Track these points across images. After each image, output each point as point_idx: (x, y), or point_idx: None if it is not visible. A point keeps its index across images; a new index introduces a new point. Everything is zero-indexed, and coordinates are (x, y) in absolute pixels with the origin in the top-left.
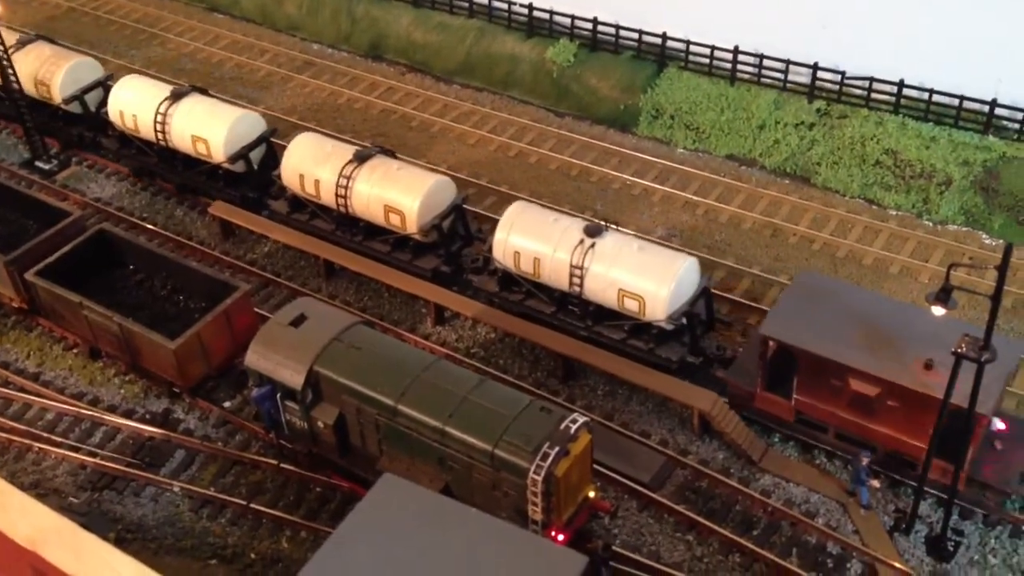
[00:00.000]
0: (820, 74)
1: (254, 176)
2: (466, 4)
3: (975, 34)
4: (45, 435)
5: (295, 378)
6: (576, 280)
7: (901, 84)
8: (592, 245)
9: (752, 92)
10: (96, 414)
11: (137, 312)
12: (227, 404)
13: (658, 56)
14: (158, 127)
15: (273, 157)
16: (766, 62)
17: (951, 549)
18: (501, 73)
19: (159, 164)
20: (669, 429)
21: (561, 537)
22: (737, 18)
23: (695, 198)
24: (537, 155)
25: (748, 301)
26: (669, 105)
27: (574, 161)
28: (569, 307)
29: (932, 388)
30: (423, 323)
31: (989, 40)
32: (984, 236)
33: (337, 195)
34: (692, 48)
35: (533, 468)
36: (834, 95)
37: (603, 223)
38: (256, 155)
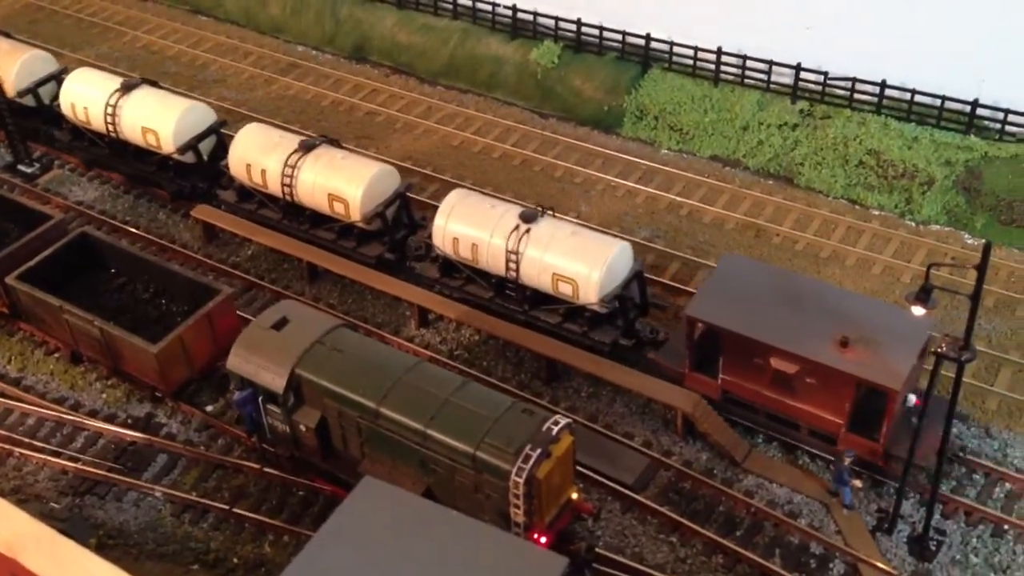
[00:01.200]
0: (803, 75)
1: (204, 167)
2: (450, 6)
3: (957, 34)
4: (26, 440)
5: (277, 381)
6: (512, 265)
7: (883, 85)
8: (527, 231)
9: (736, 93)
10: (77, 419)
11: (119, 316)
12: (209, 408)
13: (642, 57)
14: (108, 119)
15: (223, 148)
16: (749, 63)
17: (933, 548)
18: (485, 75)
19: (110, 156)
20: (653, 430)
21: (544, 539)
22: (720, 19)
23: (679, 199)
24: (521, 156)
25: None
26: (653, 106)
27: (558, 162)
28: (507, 292)
29: (847, 365)
30: (407, 325)
31: (971, 40)
32: (966, 236)
33: (283, 184)
34: (676, 49)
35: (515, 470)
36: (817, 96)
37: (539, 209)
38: (206, 146)
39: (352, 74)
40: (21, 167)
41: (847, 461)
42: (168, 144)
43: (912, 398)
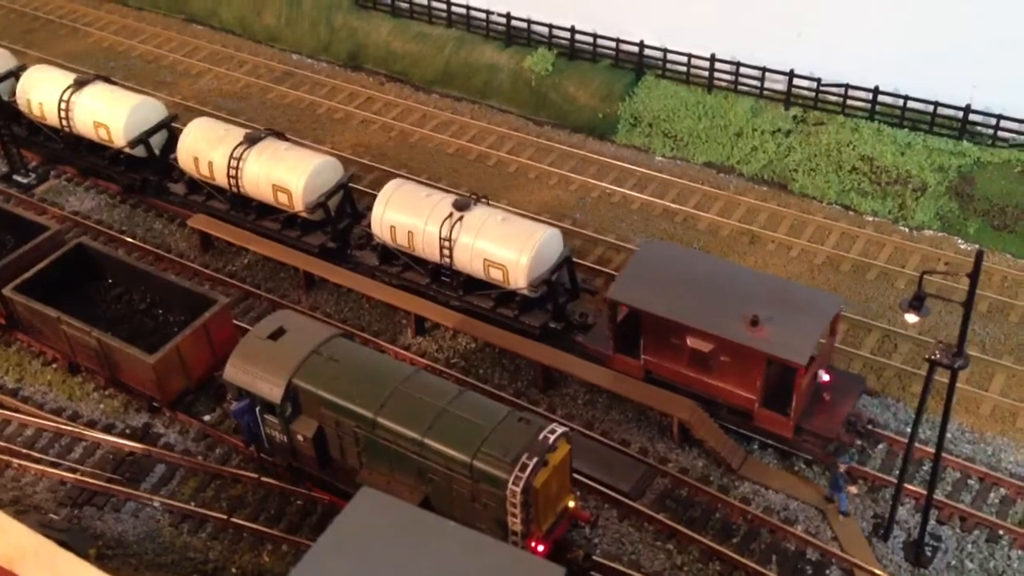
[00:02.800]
0: (796, 81)
1: (155, 161)
2: (445, 14)
3: (949, 40)
4: (24, 451)
5: (274, 391)
6: (446, 252)
7: (876, 91)
8: (460, 218)
9: (729, 100)
10: (76, 429)
11: (116, 326)
12: (207, 418)
13: (636, 64)
14: (62, 114)
15: (174, 142)
16: (743, 70)
17: (929, 554)
18: (480, 82)
19: (65, 150)
20: (649, 438)
21: (541, 548)
22: (713, 26)
23: (673, 206)
24: (516, 164)
25: None
26: (647, 113)
27: (553, 170)
28: (442, 278)
29: (757, 342)
30: (403, 334)
31: (963, 46)
32: (960, 241)
33: (229, 176)
34: (669, 56)
35: (512, 479)
36: (810, 102)
37: (472, 197)
38: (158, 141)
39: (347, 82)
40: (17, 177)
41: (842, 468)
42: (119, 138)
43: (822, 374)
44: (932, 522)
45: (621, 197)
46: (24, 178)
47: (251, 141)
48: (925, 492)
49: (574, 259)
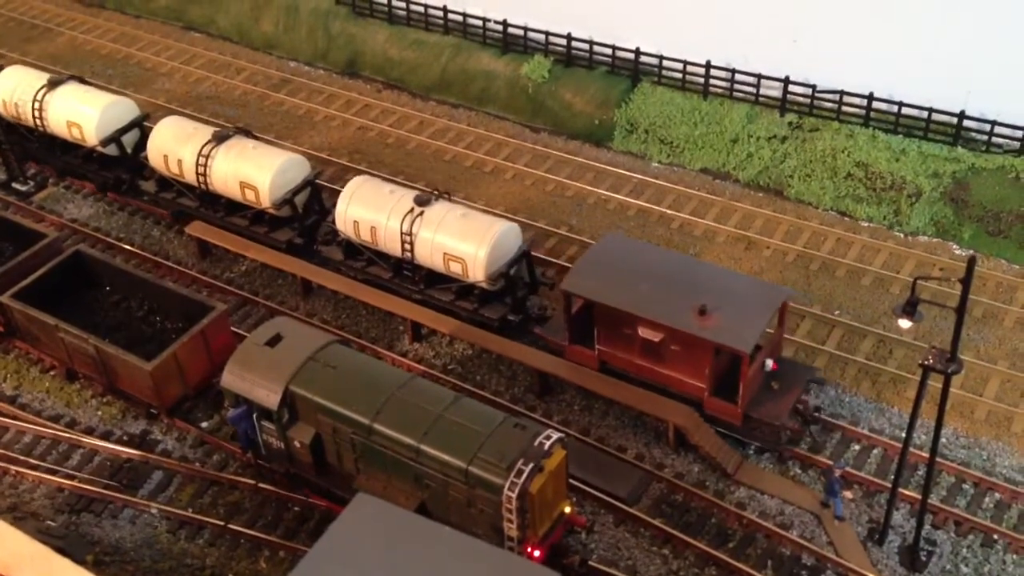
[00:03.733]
0: (791, 88)
1: (127, 159)
2: (441, 21)
3: (943, 47)
4: (22, 458)
5: (271, 398)
6: (407, 246)
7: (871, 97)
8: (421, 213)
9: (725, 106)
10: (73, 436)
11: (114, 333)
12: (204, 424)
13: (632, 71)
14: (36, 113)
15: (146, 141)
16: (738, 76)
17: (924, 559)
18: (477, 89)
19: (40, 150)
20: (645, 443)
21: (537, 553)
22: (709, 33)
23: (670, 212)
24: (513, 170)
25: None
26: (643, 120)
27: (549, 176)
28: (404, 272)
29: (705, 331)
30: (400, 340)
31: (957, 53)
32: (955, 247)
33: (198, 173)
34: (665, 63)
35: (507, 485)
36: (805, 108)
37: (433, 192)
38: (131, 139)
39: (344, 89)
40: (15, 185)
41: (838, 473)
42: (91, 137)
43: (769, 363)
44: (927, 527)
45: (617, 203)
46: (22, 186)
47: (219, 139)
48: (920, 497)
49: (533, 253)
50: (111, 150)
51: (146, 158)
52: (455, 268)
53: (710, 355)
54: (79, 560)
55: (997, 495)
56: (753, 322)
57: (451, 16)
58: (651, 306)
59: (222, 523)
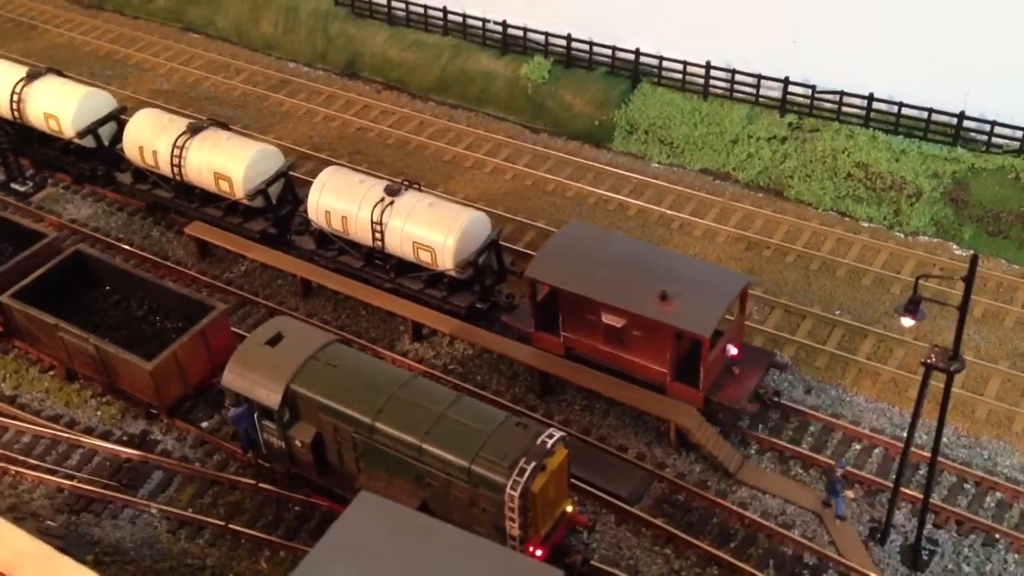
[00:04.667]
0: (791, 88)
1: (104, 151)
2: (441, 22)
3: (942, 47)
4: (21, 458)
5: (272, 397)
6: (378, 235)
7: (871, 98)
8: (391, 203)
9: (725, 107)
10: (73, 436)
11: (113, 333)
12: (205, 424)
13: (631, 72)
14: (14, 106)
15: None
16: (738, 77)
17: (925, 558)
18: (476, 90)
19: (18, 142)
20: (646, 443)
21: (539, 552)
22: (709, 34)
23: (670, 212)
24: (513, 171)
25: None
26: (643, 120)
27: (550, 176)
28: (375, 261)
29: (665, 316)
30: (401, 340)
31: (956, 53)
32: (955, 247)
33: (172, 164)
34: (665, 64)
35: (510, 484)
36: (805, 109)
37: (403, 183)
38: (107, 132)
39: (344, 90)
40: (15, 185)
41: (839, 472)
42: (68, 129)
43: (731, 348)
44: (929, 526)
45: (618, 204)
46: (22, 186)
47: (193, 131)
48: (921, 496)
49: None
50: (88, 142)
51: (122, 150)
52: (424, 257)
53: (671, 340)
54: (79, 560)
55: (998, 494)
56: (712, 307)
57: (451, 17)
58: (613, 292)
59: (223, 523)
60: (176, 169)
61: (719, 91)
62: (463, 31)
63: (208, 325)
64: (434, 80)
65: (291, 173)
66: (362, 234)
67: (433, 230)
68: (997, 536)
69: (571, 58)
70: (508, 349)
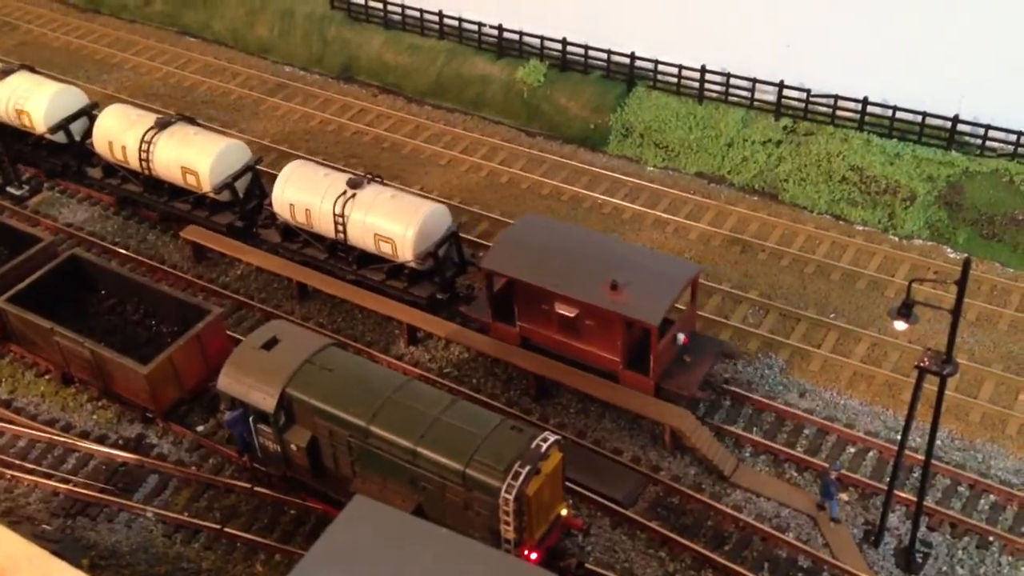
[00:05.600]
0: (786, 92)
1: (75, 147)
2: (437, 26)
3: (937, 51)
4: (17, 462)
5: (267, 401)
6: (340, 227)
7: (865, 101)
8: (353, 196)
9: (720, 110)
10: (69, 440)
11: (109, 337)
12: (200, 428)
13: (627, 76)
14: None
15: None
16: (733, 81)
17: (920, 561)
18: (472, 94)
19: None
20: (641, 446)
21: (534, 556)
22: (704, 38)
23: (665, 216)
24: (508, 175)
25: (715, 316)
26: (638, 124)
27: (545, 180)
28: (338, 253)
29: (615, 306)
30: (396, 344)
31: (951, 57)
32: (949, 250)
33: (140, 159)
34: (660, 67)
35: (504, 487)
36: (800, 113)
37: (366, 176)
38: (79, 127)
39: (340, 94)
40: (10, 189)
41: (834, 475)
42: (40, 125)
43: (681, 337)
44: (923, 529)
45: (613, 208)
46: (17, 190)
47: (161, 126)
48: (916, 499)
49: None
50: (59, 137)
51: (91, 144)
52: (385, 248)
53: (622, 329)
54: (75, 564)
55: (992, 497)
56: (662, 296)
57: (446, 21)
58: (566, 282)
59: (218, 527)
60: (144, 164)
61: (714, 95)
62: (459, 35)
63: (204, 329)
64: (430, 84)
65: (259, 167)
66: (325, 226)
67: (393, 222)
68: (991, 538)
69: (567, 62)
70: (503, 353)
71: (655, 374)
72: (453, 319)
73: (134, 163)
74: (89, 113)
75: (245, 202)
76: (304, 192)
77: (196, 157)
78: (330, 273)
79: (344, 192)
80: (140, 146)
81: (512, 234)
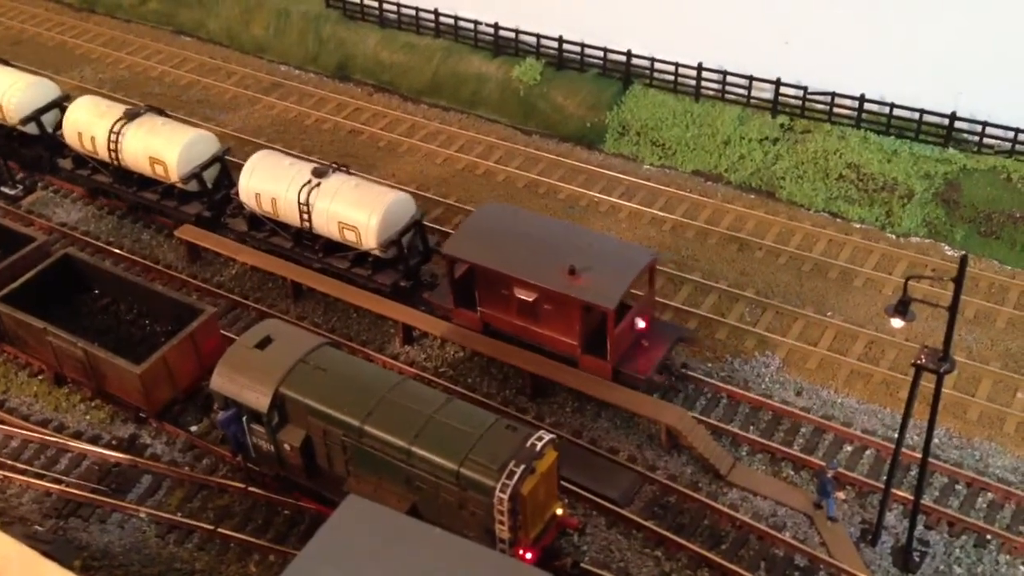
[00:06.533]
0: (783, 90)
1: (47, 138)
2: (432, 24)
3: (934, 48)
4: (10, 463)
5: (261, 401)
6: (305, 216)
7: (862, 99)
8: (318, 184)
9: (717, 108)
10: (61, 440)
11: (103, 337)
12: (194, 428)
13: (623, 73)
14: None
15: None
16: (730, 78)
17: (917, 560)
18: (468, 92)
19: None
20: (637, 445)
21: (529, 555)
22: (700, 35)
23: (662, 214)
24: (505, 173)
25: (712, 315)
26: (635, 122)
27: (541, 179)
28: (304, 241)
29: (573, 290)
30: (391, 343)
31: (948, 54)
32: (946, 248)
33: (110, 149)
34: (657, 65)
35: (499, 486)
36: (797, 110)
37: (331, 165)
38: (51, 119)
39: (335, 93)
40: (4, 189)
41: (830, 474)
42: (12, 117)
43: (640, 322)
44: (920, 527)
45: (609, 206)
46: (11, 190)
47: (130, 116)
48: (913, 497)
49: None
50: (31, 129)
51: (61, 135)
52: (349, 236)
53: (580, 313)
54: (67, 565)
55: (990, 495)
56: (618, 281)
57: (442, 19)
58: (525, 267)
59: (211, 527)
60: (113, 154)
61: (711, 92)
62: (455, 33)
63: (197, 328)
64: (426, 82)
65: (227, 158)
66: (290, 215)
67: (357, 210)
68: (988, 537)
69: (563, 60)
70: (498, 351)
71: (613, 358)
72: (417, 306)
73: (103, 154)
74: (61, 105)
75: (214, 192)
76: (270, 181)
77: (164, 147)
78: (297, 262)
79: (309, 181)
80: (109, 137)
81: (473, 221)
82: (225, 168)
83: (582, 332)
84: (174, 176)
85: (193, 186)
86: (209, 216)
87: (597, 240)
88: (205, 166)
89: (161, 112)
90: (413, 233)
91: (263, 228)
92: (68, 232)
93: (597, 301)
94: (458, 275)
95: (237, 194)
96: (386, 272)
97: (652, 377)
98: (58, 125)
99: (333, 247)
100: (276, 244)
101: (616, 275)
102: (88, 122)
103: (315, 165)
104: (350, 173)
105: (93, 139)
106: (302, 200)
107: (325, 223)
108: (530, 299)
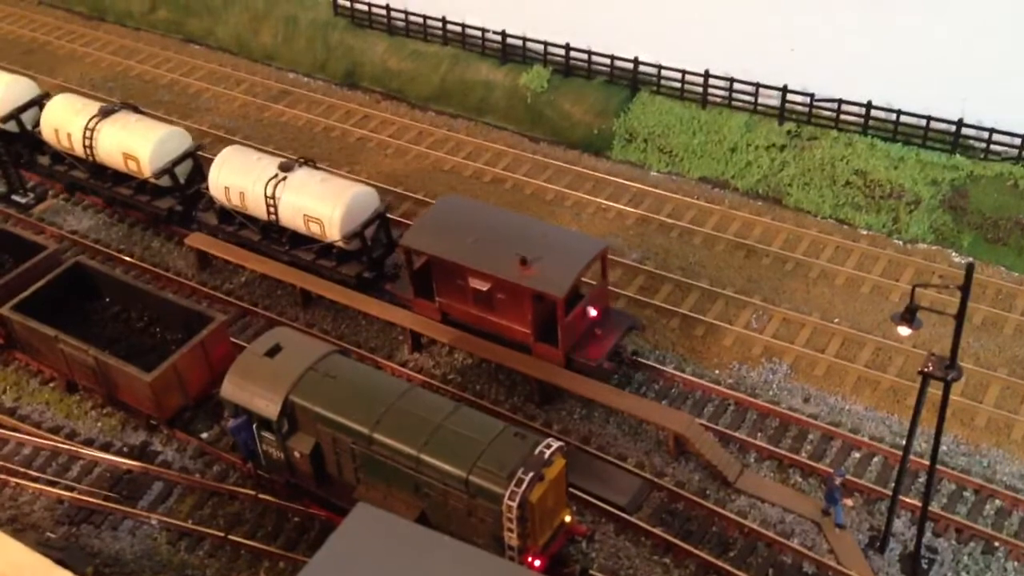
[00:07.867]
0: (789, 97)
1: (26, 136)
2: (440, 32)
3: (940, 55)
4: (22, 470)
5: (271, 408)
6: (272, 209)
7: (869, 105)
8: (284, 178)
9: (723, 115)
10: (73, 448)
11: (113, 345)
12: (204, 435)
13: (630, 81)
14: None
15: None
16: (736, 85)
17: (925, 567)
18: (475, 99)
19: None
20: (645, 452)
21: (538, 563)
22: (707, 43)
23: (669, 220)
24: (512, 180)
25: (719, 321)
26: (642, 129)
27: (549, 186)
28: (272, 234)
29: (524, 279)
30: (400, 350)
31: (954, 60)
32: (954, 254)
33: (85, 146)
34: (664, 72)
35: (508, 494)
36: (804, 117)
37: (298, 160)
38: (30, 117)
39: (344, 100)
40: (15, 197)
41: (838, 481)
42: None
43: (591, 311)
44: (928, 534)
45: (616, 213)
46: (22, 198)
47: (105, 113)
48: (921, 504)
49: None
50: (11, 126)
51: (39, 132)
52: (314, 228)
53: (531, 302)
54: (79, 572)
55: (998, 502)
56: (568, 270)
57: (450, 27)
58: (478, 258)
59: (222, 534)
60: (88, 150)
61: (718, 99)
62: (462, 41)
63: (208, 336)
64: (433, 90)
65: (200, 153)
66: (258, 208)
67: (321, 203)
68: (996, 544)
69: (570, 67)
70: (506, 359)
71: (564, 345)
72: (381, 297)
73: (79, 150)
74: (39, 103)
75: (186, 187)
76: (238, 175)
77: (137, 143)
78: (264, 254)
79: (276, 175)
80: (84, 133)
81: (431, 214)
82: (198, 164)
83: (534, 320)
84: (146, 172)
85: (166, 181)
86: (181, 211)
87: (551, 232)
88: (177, 162)
89: (136, 109)
90: (377, 226)
91: (232, 222)
92: (79, 240)
93: (547, 290)
94: (417, 266)
95: (207, 188)
96: (350, 264)
97: (603, 364)
98: (37, 123)
99: (299, 240)
100: (245, 237)
101: (566, 265)
102: (64, 119)
103: (282, 160)
104: (316, 167)
105: (69, 136)
106: (268, 193)
107: (291, 216)
108: (484, 289)
